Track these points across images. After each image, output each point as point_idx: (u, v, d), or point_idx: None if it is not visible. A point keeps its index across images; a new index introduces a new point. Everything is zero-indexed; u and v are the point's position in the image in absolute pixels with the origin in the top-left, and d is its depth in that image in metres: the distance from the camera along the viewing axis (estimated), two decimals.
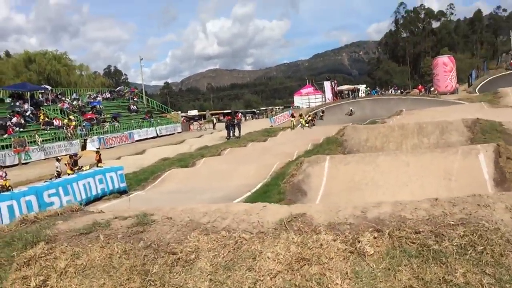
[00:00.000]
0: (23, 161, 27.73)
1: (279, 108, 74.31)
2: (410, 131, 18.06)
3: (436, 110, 37.03)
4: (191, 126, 52.87)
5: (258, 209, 4.50)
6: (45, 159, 29.40)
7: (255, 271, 3.76)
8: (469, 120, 17.95)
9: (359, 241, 3.72)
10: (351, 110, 49.60)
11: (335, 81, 64.38)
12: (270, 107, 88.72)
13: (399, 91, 61.19)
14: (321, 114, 46.92)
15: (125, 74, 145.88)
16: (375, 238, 3.73)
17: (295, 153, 22.47)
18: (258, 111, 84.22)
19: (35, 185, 16.04)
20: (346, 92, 61.61)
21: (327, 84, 59.09)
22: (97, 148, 32.96)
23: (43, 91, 39.91)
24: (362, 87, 65.33)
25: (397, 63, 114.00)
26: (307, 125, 39.48)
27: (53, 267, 4.25)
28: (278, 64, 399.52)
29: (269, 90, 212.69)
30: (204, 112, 78.06)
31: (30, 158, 28.48)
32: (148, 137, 42.21)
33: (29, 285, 4.14)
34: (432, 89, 57.43)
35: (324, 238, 3.80)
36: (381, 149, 17.63)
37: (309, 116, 40.92)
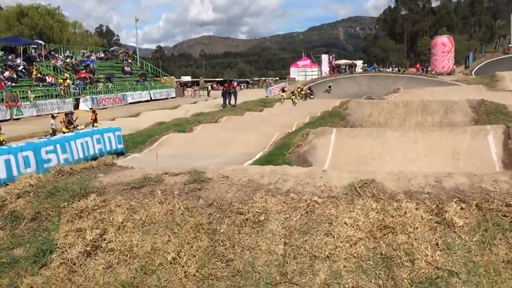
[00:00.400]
0: (14, 117, 27.16)
1: (272, 80, 73.53)
2: (414, 109, 17.90)
3: (434, 90, 36.96)
4: (185, 92, 52.20)
5: (319, 172, 4.28)
6: (37, 115, 28.83)
7: (333, 237, 3.57)
8: (474, 101, 17.83)
9: (445, 211, 3.52)
10: (329, 87, 48.30)
11: (333, 55, 63.75)
12: (263, 78, 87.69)
13: (396, 68, 60.80)
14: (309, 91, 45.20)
15: (117, 35, 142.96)
16: (462, 209, 3.54)
17: (294, 124, 22.25)
18: (251, 81, 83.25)
19: (31, 141, 15.67)
20: (343, 66, 61.07)
21: (324, 58, 58.48)
22: (90, 108, 32.43)
23: (36, 46, 38.75)
24: (359, 63, 64.89)
25: (394, 41, 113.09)
26: (299, 98, 37.35)
27: (109, 220, 4.00)
28: (273, 34, 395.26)
29: (263, 60, 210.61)
30: (198, 79, 76.97)
31: (22, 114, 27.89)
32: (142, 100, 41.62)
33: (85, 238, 3.91)
34: (430, 68, 57.25)
35: (407, 206, 3.59)
36: (385, 125, 17.51)
37: (301, 90, 39.19)
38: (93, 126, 21.00)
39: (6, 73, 30.29)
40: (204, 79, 77.18)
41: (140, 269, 3.59)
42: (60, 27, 64.94)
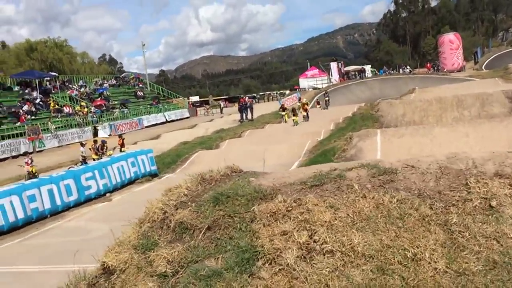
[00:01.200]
0: (37, 149, 27.13)
1: (277, 93, 74.14)
2: (449, 104, 17.58)
3: (450, 87, 36.47)
4: (198, 111, 52.34)
5: (503, 154, 3.97)
6: (59, 146, 28.87)
7: None
8: (509, 91, 17.50)
9: None
10: (327, 97, 41.95)
11: (342, 62, 63.72)
12: (268, 92, 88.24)
13: (407, 69, 60.23)
14: (318, 105, 41.85)
15: (120, 63, 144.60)
16: None
17: (321, 132, 21.99)
18: (258, 96, 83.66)
19: (72, 169, 15.53)
20: (353, 72, 60.96)
21: (333, 65, 58.47)
22: (109, 135, 32.45)
23: (50, 78, 39.07)
24: (368, 68, 64.76)
25: (397, 43, 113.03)
26: (303, 119, 30.82)
27: (313, 220, 3.69)
28: (272, 49, 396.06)
29: (265, 75, 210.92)
30: (207, 98, 77.28)
31: (44, 146, 27.90)
32: (158, 122, 41.58)
33: (296, 240, 3.59)
34: (440, 67, 56.97)
35: None
36: (420, 124, 17.17)
37: (303, 107, 32.56)
38: (120, 150, 20.86)
39: (25, 107, 30.41)
40: (214, 98, 77.58)
41: (377, 270, 3.25)
42: (69, 59, 65.82)
